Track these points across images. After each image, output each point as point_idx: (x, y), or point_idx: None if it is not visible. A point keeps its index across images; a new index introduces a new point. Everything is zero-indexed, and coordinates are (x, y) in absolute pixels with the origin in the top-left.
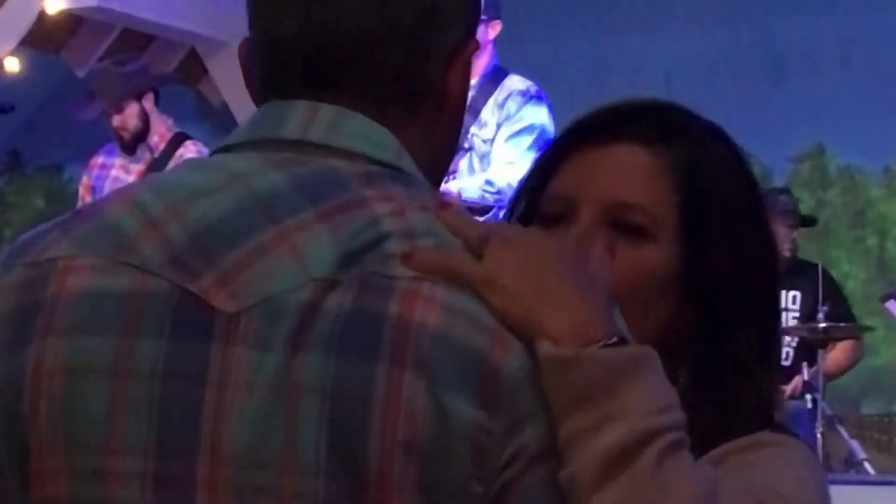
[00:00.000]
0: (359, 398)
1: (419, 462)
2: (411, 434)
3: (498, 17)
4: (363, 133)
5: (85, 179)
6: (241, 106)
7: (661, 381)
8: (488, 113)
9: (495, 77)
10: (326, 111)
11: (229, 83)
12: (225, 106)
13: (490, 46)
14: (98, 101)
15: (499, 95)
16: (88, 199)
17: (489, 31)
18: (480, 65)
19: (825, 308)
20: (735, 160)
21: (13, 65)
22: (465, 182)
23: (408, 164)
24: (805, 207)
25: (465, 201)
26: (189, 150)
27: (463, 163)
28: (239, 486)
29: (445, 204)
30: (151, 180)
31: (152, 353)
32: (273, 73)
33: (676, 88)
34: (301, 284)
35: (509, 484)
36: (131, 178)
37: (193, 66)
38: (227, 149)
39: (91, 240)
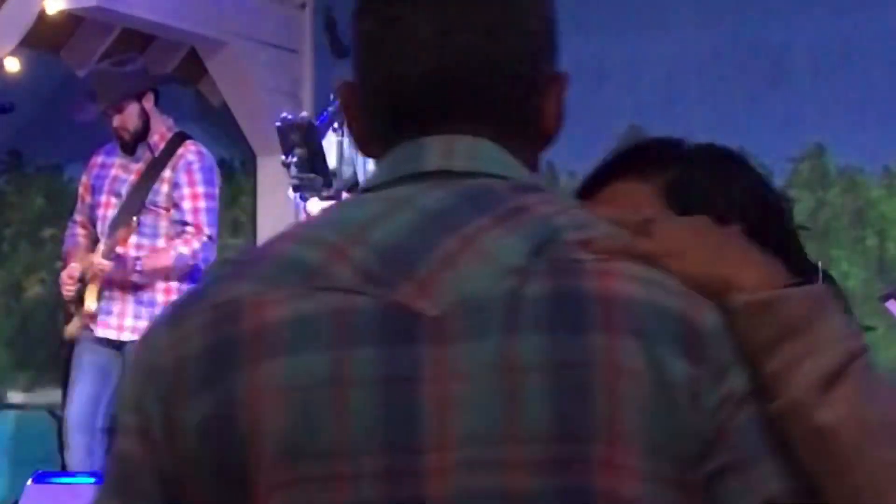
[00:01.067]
0: (580, 366)
1: (643, 416)
2: (633, 391)
3: None
4: (497, 159)
5: (84, 179)
6: (241, 106)
7: (840, 311)
8: None
9: None
10: (463, 142)
11: (229, 83)
12: (225, 106)
13: None
14: (98, 101)
15: None
16: (88, 198)
17: None
18: None
19: None
20: (738, 178)
21: (13, 65)
22: None
23: (540, 182)
24: (805, 207)
25: None
26: (189, 150)
27: None
28: (469, 464)
29: (586, 204)
30: (310, 221)
31: (368, 360)
32: (401, 111)
33: (676, 88)
34: (501, 277)
35: (722, 426)
36: (131, 178)
37: (193, 66)
38: (370, 189)
39: (274, 276)
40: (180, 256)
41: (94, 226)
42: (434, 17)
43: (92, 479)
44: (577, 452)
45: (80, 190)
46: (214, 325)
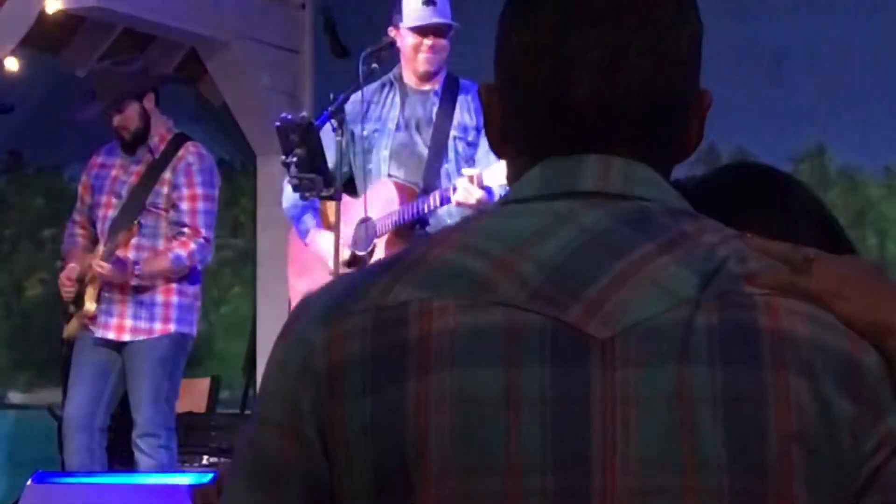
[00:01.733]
0: (753, 400)
1: (809, 451)
2: (802, 427)
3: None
4: (650, 181)
5: (84, 179)
6: (241, 106)
7: None
8: (466, 117)
9: (451, 83)
10: (618, 163)
11: (229, 83)
12: (225, 106)
13: None
14: (99, 100)
15: (467, 99)
16: (88, 198)
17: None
18: (441, 72)
19: None
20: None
21: (13, 65)
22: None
23: (688, 206)
24: None
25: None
26: (189, 152)
27: (449, 167)
28: (640, 490)
29: (745, 234)
30: (470, 226)
31: (538, 379)
32: (557, 128)
33: None
34: (673, 306)
35: (880, 467)
36: (131, 179)
37: (193, 66)
38: (521, 201)
39: (439, 283)
40: (177, 259)
41: (94, 226)
42: (601, 41)
43: (92, 479)
44: (751, 485)
45: (80, 190)
46: (378, 329)
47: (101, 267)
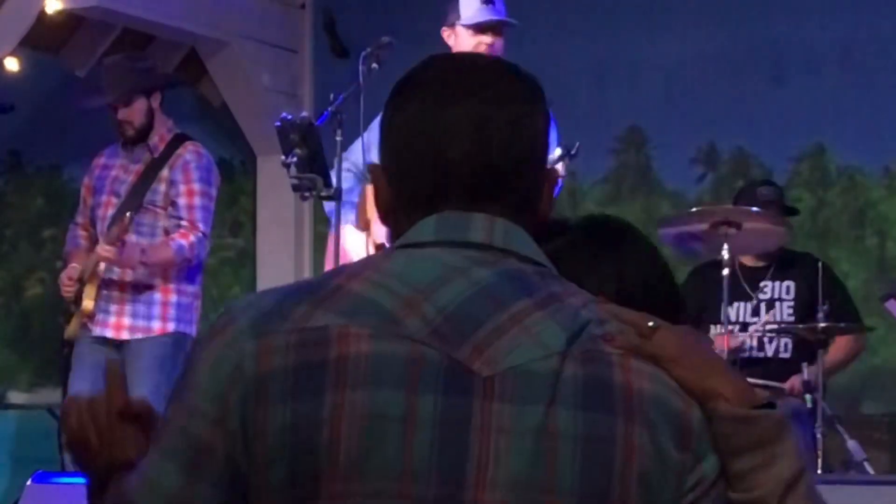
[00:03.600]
0: (605, 442)
1: (646, 488)
2: (642, 468)
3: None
4: (523, 240)
5: (87, 180)
6: (241, 106)
7: (794, 433)
8: None
9: None
10: (500, 222)
11: (229, 83)
12: (225, 106)
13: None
14: (107, 92)
15: None
16: (90, 199)
17: (453, 38)
18: None
19: (825, 307)
20: (614, 258)
21: (13, 65)
22: None
23: (553, 269)
24: (805, 207)
25: None
26: (188, 150)
27: None
28: (503, 502)
29: (599, 299)
30: (380, 266)
31: (431, 404)
32: (438, 187)
33: (676, 88)
34: (545, 356)
35: (695, 501)
36: (131, 178)
37: (193, 66)
38: (419, 245)
39: (355, 312)
40: (180, 248)
41: (95, 227)
42: (471, 113)
43: None
44: None
45: (82, 191)
46: (301, 346)
47: (108, 251)
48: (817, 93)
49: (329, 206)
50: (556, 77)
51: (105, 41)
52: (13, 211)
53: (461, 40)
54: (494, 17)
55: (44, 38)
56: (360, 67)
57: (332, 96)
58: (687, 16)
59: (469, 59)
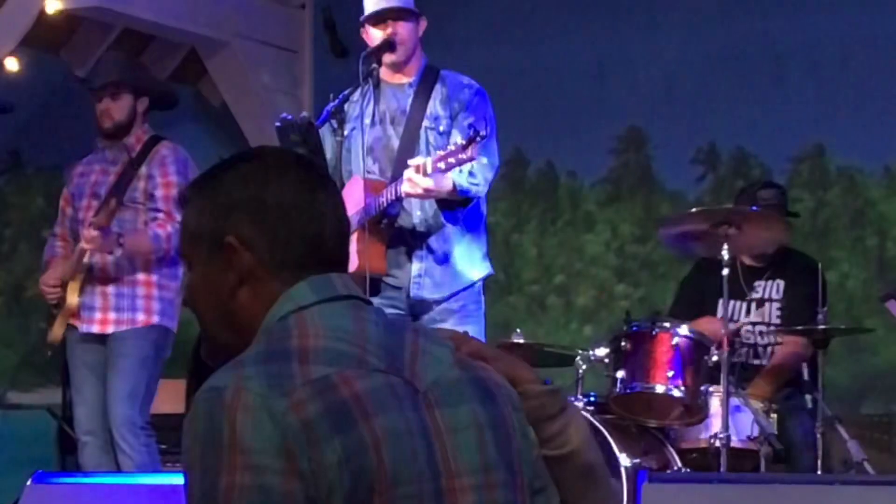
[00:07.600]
0: (503, 427)
1: (523, 455)
2: (519, 441)
3: (422, 15)
4: (357, 289)
5: (65, 191)
6: (241, 106)
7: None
8: (439, 108)
9: (429, 73)
10: (345, 277)
11: (229, 83)
12: (225, 106)
13: (419, 43)
14: (98, 77)
15: (442, 90)
16: (69, 210)
17: (419, 29)
18: (417, 63)
19: (825, 310)
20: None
21: (13, 65)
22: (453, 173)
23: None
24: (805, 207)
25: (461, 192)
26: (163, 146)
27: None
28: (469, 486)
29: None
30: (319, 324)
31: (414, 420)
32: (311, 256)
33: (676, 88)
34: (448, 369)
35: (535, 461)
36: (109, 179)
37: (193, 66)
38: (326, 300)
39: (335, 362)
40: (156, 237)
41: (75, 239)
42: (330, 198)
43: (92, 480)
44: (512, 479)
45: (61, 202)
46: (320, 394)
47: (93, 235)
48: (817, 93)
49: None
50: (556, 77)
51: (105, 41)
52: (13, 211)
53: (369, 35)
54: (384, 6)
55: (44, 37)
56: (360, 67)
57: (331, 96)
58: (687, 16)
59: (289, 153)
